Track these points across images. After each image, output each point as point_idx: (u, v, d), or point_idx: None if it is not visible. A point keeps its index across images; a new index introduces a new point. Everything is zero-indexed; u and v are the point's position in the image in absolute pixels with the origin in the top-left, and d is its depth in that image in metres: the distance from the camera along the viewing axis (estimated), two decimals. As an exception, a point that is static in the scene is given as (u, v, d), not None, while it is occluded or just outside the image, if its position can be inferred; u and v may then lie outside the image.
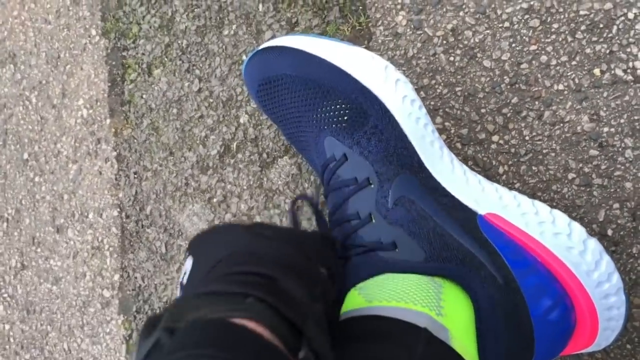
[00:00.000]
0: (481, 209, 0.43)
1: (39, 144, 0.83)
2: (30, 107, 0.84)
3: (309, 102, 0.47)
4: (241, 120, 0.67)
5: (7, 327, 0.84)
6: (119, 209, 0.75)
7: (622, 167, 0.49)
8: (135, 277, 0.73)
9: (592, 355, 0.50)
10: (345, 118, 0.45)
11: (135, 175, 0.74)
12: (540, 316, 0.39)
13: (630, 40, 0.50)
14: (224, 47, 0.68)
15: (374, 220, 0.43)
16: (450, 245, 0.41)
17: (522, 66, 0.54)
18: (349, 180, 0.44)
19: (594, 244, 0.41)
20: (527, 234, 0.41)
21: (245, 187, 0.66)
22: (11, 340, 0.83)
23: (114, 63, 0.77)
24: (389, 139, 0.44)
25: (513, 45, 0.54)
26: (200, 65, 0.70)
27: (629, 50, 0.50)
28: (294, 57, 0.47)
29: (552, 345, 0.41)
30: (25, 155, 0.84)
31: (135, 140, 0.74)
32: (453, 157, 0.47)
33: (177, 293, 0.41)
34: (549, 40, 0.53)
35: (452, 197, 0.44)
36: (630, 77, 0.50)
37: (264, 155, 0.65)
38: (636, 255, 0.49)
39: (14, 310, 0.83)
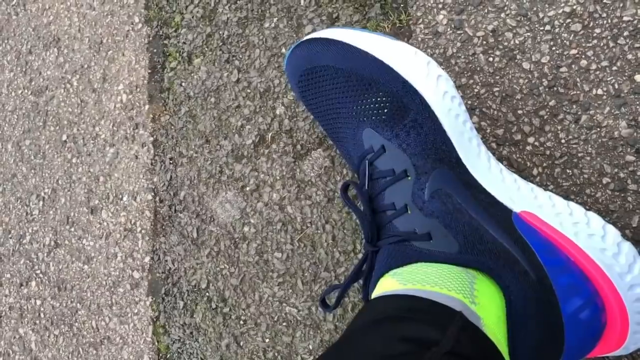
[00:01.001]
0: (516, 207, 0.44)
1: (77, 126, 0.85)
2: (71, 90, 0.87)
3: (350, 94, 0.48)
4: (277, 112, 0.68)
5: (38, 302, 0.86)
6: (153, 193, 0.76)
7: (659, 174, 0.50)
8: (166, 260, 0.75)
9: (619, 359, 0.50)
10: (386, 111, 0.46)
11: (171, 161, 0.75)
12: (571, 314, 0.40)
13: (673, 48, 0.50)
14: (264, 39, 0.70)
15: (409, 212, 0.44)
16: (484, 240, 0.41)
17: (562, 69, 0.54)
18: (386, 172, 0.45)
19: (627, 247, 0.42)
20: (561, 233, 0.42)
21: (278, 177, 0.67)
22: (42, 315, 0.86)
23: (155, 50, 0.79)
24: (428, 134, 0.45)
25: (553, 48, 0.54)
26: (240, 56, 0.71)
27: (671, 57, 0.50)
28: (338, 49, 0.48)
29: (581, 344, 0.41)
30: (64, 137, 0.86)
31: (172, 127, 0.76)
32: (490, 155, 0.47)
33: None
34: (590, 44, 0.53)
35: (488, 193, 0.45)
36: (671, 85, 0.50)
37: (298, 147, 0.66)
38: (668, 262, 0.49)
39: (46, 287, 0.86)
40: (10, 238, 0.91)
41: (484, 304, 0.37)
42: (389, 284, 0.40)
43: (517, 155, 0.55)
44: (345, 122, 0.49)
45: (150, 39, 0.79)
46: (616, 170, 0.51)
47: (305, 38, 0.52)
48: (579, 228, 0.42)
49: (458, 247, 0.41)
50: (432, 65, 0.47)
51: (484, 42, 0.57)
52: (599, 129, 0.52)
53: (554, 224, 0.42)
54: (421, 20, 0.60)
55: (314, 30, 0.66)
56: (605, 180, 0.51)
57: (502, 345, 0.36)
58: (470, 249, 0.41)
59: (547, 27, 0.55)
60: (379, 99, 0.46)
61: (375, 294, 0.41)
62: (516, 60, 0.56)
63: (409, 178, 0.44)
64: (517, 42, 0.56)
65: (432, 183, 0.44)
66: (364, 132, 0.47)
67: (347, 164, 0.53)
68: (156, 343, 0.75)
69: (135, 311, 0.77)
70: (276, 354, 0.66)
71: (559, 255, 0.41)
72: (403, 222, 0.44)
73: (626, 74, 0.51)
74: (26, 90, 0.92)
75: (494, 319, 0.37)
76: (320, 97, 0.50)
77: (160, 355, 0.74)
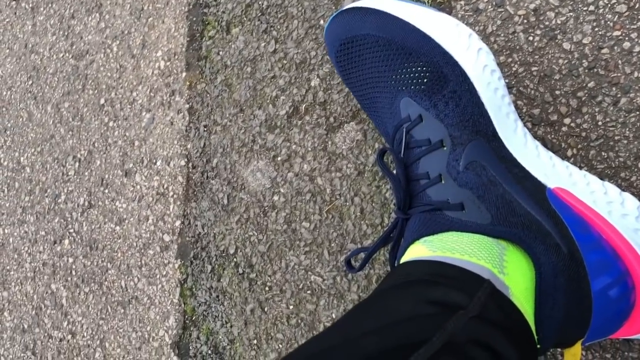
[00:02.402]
0: (550, 183, 0.44)
1: (115, 90, 0.87)
2: (110, 55, 0.88)
3: (390, 63, 0.48)
4: (312, 84, 0.68)
5: (70, 260, 0.89)
6: (186, 159, 0.78)
7: (696, 161, 0.49)
8: (196, 225, 0.76)
9: (642, 344, 0.50)
10: (425, 80, 0.46)
11: (205, 129, 0.77)
12: (599, 291, 0.40)
13: None
14: (303, 10, 0.70)
15: (443, 181, 0.44)
16: (517, 212, 0.42)
17: (603, 51, 0.53)
18: (422, 141, 0.46)
19: None
20: (594, 210, 0.42)
21: (309, 149, 0.68)
22: (73, 273, 0.88)
23: (194, 19, 0.80)
24: (466, 105, 0.45)
25: (596, 29, 0.54)
26: (278, 27, 0.72)
27: None
28: (378, 18, 0.49)
29: (607, 322, 0.41)
30: (102, 101, 0.88)
31: (208, 95, 0.77)
32: (526, 131, 0.47)
33: None
34: (635, 27, 0.52)
35: (523, 168, 0.45)
36: None
37: (331, 119, 0.67)
38: (700, 250, 0.48)
39: (78, 246, 0.88)
40: (46, 197, 0.94)
41: (513, 275, 0.37)
42: (418, 251, 0.41)
43: (552, 136, 0.55)
44: (383, 91, 0.49)
45: (190, 7, 0.80)
46: (653, 154, 0.50)
47: (345, 7, 0.53)
48: (613, 207, 0.42)
49: (490, 218, 0.41)
50: (474, 38, 0.47)
51: (525, 21, 0.57)
52: (638, 113, 0.51)
53: (587, 201, 0.43)
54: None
55: (353, 2, 0.66)
56: (640, 164, 0.51)
57: (529, 316, 0.36)
58: (503, 220, 0.41)
59: (591, 8, 0.54)
60: (418, 69, 0.47)
61: (405, 259, 0.42)
62: (557, 40, 0.55)
63: (445, 148, 0.45)
64: (558, 21, 0.55)
65: (467, 154, 0.44)
66: (402, 101, 0.47)
67: (381, 136, 0.54)
68: (183, 305, 0.77)
69: (164, 273, 0.79)
70: (299, 321, 0.67)
71: (591, 232, 0.41)
72: (436, 191, 0.44)
73: (670, 57, 0.50)
74: (67, 54, 0.94)
75: (522, 290, 0.37)
76: (359, 66, 0.51)
77: (186, 316, 0.76)
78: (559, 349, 0.53)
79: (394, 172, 0.55)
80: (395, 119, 0.48)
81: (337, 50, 0.52)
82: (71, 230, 0.90)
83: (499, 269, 0.37)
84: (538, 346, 0.37)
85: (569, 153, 0.54)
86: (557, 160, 0.47)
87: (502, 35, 0.58)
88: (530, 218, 0.41)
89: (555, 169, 0.46)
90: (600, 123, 0.53)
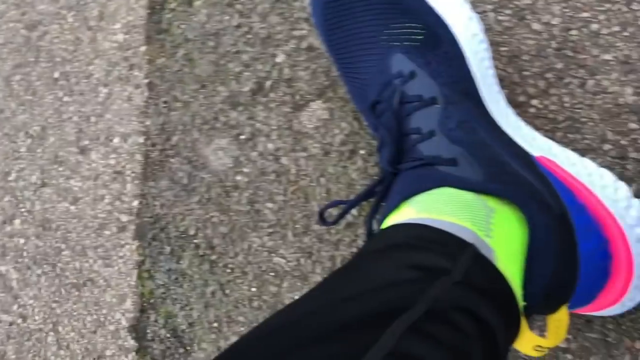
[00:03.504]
0: (534, 153, 0.45)
1: (71, 64, 0.83)
2: (65, 27, 0.84)
3: (384, 17, 0.47)
4: (277, 60, 0.66)
5: (22, 241, 0.85)
6: (145, 137, 0.75)
7: (660, 143, 0.49)
8: (154, 205, 0.74)
9: (603, 325, 0.50)
10: (420, 37, 0.47)
11: (165, 105, 0.74)
12: (585, 255, 0.40)
13: (687, 16, 0.49)
14: (269, -16, 0.68)
15: (436, 137, 0.44)
16: (509, 172, 0.42)
17: (572, 32, 0.53)
18: (414, 97, 0.45)
19: (638, 202, 0.43)
20: (577, 179, 0.43)
21: (274, 127, 0.66)
22: (24, 254, 0.85)
23: (154, -10, 0.76)
24: (456, 68, 0.46)
25: (565, 10, 0.53)
26: (243, 0, 0.69)
27: (684, 26, 0.49)
28: None
29: (589, 287, 0.42)
30: (56, 74, 0.84)
31: (168, 70, 0.74)
32: (508, 105, 0.48)
33: None
34: (603, 8, 0.52)
35: (508, 135, 0.45)
36: (681, 54, 0.49)
37: (297, 97, 0.65)
38: (661, 232, 0.49)
39: (30, 226, 0.84)
40: (-4, 175, 0.89)
41: (499, 238, 0.37)
42: (406, 213, 0.40)
43: (520, 117, 0.54)
44: (372, 47, 0.48)
45: (151, -23, 0.77)
46: (618, 137, 0.51)
47: None
48: (593, 179, 0.43)
49: (483, 175, 0.41)
50: (466, 6, 0.48)
51: (495, 0, 0.56)
52: (604, 95, 0.51)
53: (570, 171, 0.43)
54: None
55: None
56: (606, 146, 0.51)
57: (515, 279, 0.36)
58: (496, 178, 0.41)
59: (561, -12, 0.54)
60: (413, 25, 0.47)
61: (390, 221, 0.41)
62: (526, 21, 0.55)
63: (437, 105, 0.44)
64: (528, 1, 0.55)
65: (459, 114, 0.44)
66: (394, 57, 0.47)
67: (355, 103, 0.52)
68: (140, 287, 0.74)
69: (121, 254, 0.76)
70: (262, 303, 0.66)
71: (575, 198, 0.42)
72: (428, 146, 0.43)
73: (636, 40, 0.51)
74: (18, 24, 0.89)
75: (509, 253, 0.37)
76: (349, 20, 0.49)
77: (144, 299, 0.74)
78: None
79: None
80: (383, 76, 0.47)
81: (326, 1, 0.50)
82: (22, 210, 0.86)
83: (485, 232, 0.36)
84: (523, 306, 0.37)
85: (538, 133, 0.54)
86: (537, 134, 0.48)
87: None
88: (522, 178, 0.42)
89: (536, 142, 0.47)
90: (567, 105, 0.53)
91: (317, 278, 0.63)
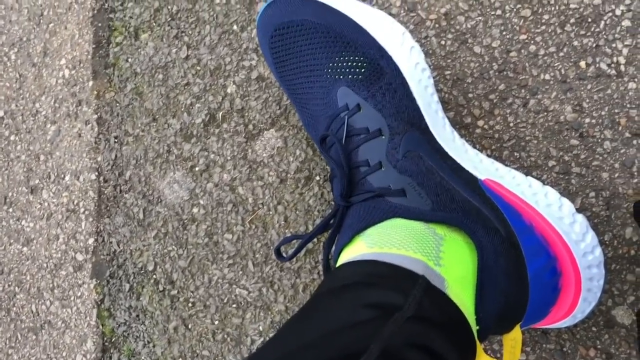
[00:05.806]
0: (480, 176, 0.46)
1: (16, 102, 0.81)
2: (9, 64, 0.82)
3: (327, 50, 0.48)
4: (228, 90, 0.67)
5: (-27, 286, 0.82)
6: (97, 173, 0.74)
7: (600, 158, 0.51)
8: (111, 242, 0.72)
9: (559, 336, 0.52)
10: (363, 71, 0.47)
11: (116, 140, 0.73)
12: (534, 274, 0.42)
13: (616, 36, 0.51)
14: (215, 15, 0.68)
15: (383, 168, 0.44)
16: (456, 199, 0.43)
17: (511, 54, 0.55)
18: (361, 130, 0.46)
19: (582, 217, 0.45)
20: (523, 200, 0.44)
21: (229, 158, 0.66)
22: (-24, 300, 0.82)
23: (99, 25, 0.75)
24: (401, 98, 0.47)
25: (504, 33, 0.55)
26: (190, 32, 0.69)
27: (614, 45, 0.51)
28: (317, 7, 0.49)
29: (540, 305, 0.43)
30: (1, 113, 0.82)
31: (117, 104, 0.73)
32: (453, 129, 0.50)
33: None
34: (539, 30, 0.54)
35: (454, 160, 0.47)
36: (613, 72, 0.51)
37: (250, 127, 0.65)
38: (607, 242, 0.51)
39: (-19, 270, 0.82)
40: (-58, 219, 0.86)
41: (450, 265, 0.38)
42: (357, 248, 0.41)
43: (467, 139, 0.56)
44: (318, 80, 0.49)
45: (95, 12, 0.76)
46: (561, 153, 0.53)
47: None
48: (538, 198, 0.45)
49: (431, 204, 0.42)
50: (407, 36, 0.49)
51: (437, 25, 0.58)
52: (546, 113, 0.53)
53: (516, 192, 0.44)
54: (375, 1, 0.60)
55: (266, 8, 0.65)
56: (550, 163, 0.53)
57: (467, 305, 0.37)
58: (444, 206, 0.42)
59: (498, 12, 0.55)
60: (356, 58, 0.47)
61: (343, 258, 0.41)
62: (468, 44, 0.57)
63: (383, 137, 0.45)
64: (469, 26, 0.57)
65: (405, 144, 0.45)
66: (339, 90, 0.47)
67: (308, 132, 0.52)
68: (100, 327, 0.72)
69: (79, 294, 0.74)
70: (225, 336, 0.65)
71: (522, 219, 0.43)
72: (377, 178, 0.44)
73: (572, 60, 0.53)
74: (-41, 63, 0.86)
75: (459, 280, 0.38)
76: (294, 53, 0.50)
77: (105, 339, 0.72)
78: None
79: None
80: (330, 109, 0.48)
81: (271, 36, 0.50)
82: (-28, 254, 0.83)
83: (434, 261, 0.37)
84: (478, 330, 0.38)
85: (484, 154, 0.55)
86: (483, 156, 0.49)
87: (414, 40, 0.58)
88: (469, 204, 0.43)
89: (482, 164, 0.48)
90: (511, 124, 0.55)
91: (280, 307, 0.62)
